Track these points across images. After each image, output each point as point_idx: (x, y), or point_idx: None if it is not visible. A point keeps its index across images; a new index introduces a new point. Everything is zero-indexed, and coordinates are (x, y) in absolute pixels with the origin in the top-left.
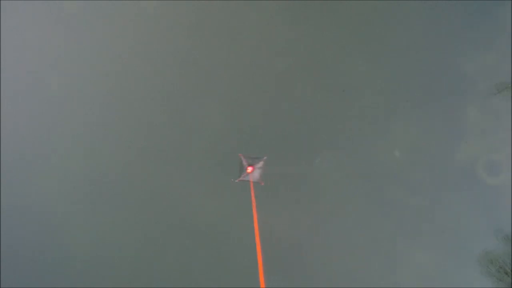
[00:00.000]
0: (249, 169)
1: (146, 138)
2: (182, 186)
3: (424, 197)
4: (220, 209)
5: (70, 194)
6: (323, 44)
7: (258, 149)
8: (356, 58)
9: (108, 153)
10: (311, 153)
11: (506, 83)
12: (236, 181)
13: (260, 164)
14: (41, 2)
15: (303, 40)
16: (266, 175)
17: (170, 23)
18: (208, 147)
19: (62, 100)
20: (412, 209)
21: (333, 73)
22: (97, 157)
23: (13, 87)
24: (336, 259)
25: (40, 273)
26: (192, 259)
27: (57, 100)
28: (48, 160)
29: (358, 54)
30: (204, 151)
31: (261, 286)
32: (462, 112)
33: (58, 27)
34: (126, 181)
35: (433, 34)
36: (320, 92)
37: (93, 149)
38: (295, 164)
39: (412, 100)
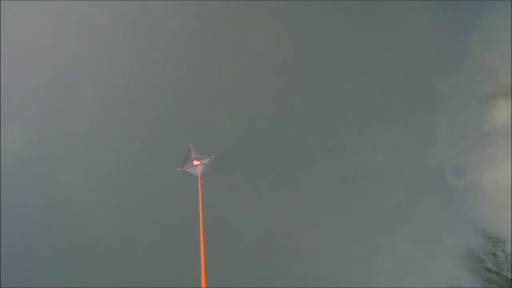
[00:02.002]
0: (195, 162)
1: (157, 138)
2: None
3: (403, 195)
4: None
5: (92, 188)
6: (318, 57)
7: (257, 150)
8: (344, 75)
9: (122, 151)
10: (305, 154)
11: (491, 94)
12: (178, 169)
13: (207, 161)
14: (42, 2)
15: (302, 53)
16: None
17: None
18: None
19: (85, 103)
20: (392, 207)
21: (325, 87)
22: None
23: (37, 86)
24: (322, 253)
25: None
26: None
27: (81, 103)
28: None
29: (346, 71)
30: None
31: (203, 286)
32: (435, 122)
33: (59, 28)
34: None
35: (410, 56)
36: (314, 102)
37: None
38: (290, 164)
39: (392, 111)
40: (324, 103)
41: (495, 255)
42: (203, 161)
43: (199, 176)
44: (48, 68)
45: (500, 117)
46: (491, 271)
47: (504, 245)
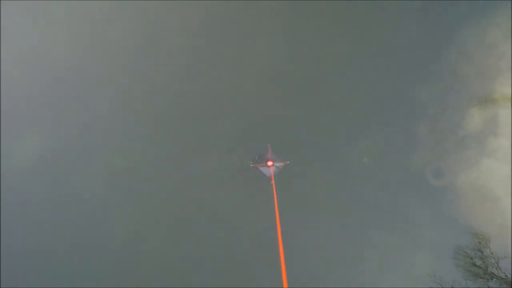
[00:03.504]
0: (270, 162)
1: (163, 141)
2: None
3: (386, 193)
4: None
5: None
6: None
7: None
8: (336, 86)
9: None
10: (302, 159)
11: (483, 97)
12: (251, 165)
13: (280, 164)
14: (46, 2)
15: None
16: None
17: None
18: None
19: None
20: (377, 203)
21: (320, 97)
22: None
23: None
24: (316, 244)
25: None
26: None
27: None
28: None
29: (338, 83)
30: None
31: (284, 286)
32: (416, 129)
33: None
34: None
35: (393, 72)
36: (308, 114)
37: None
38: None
39: (377, 120)
40: (318, 110)
41: (480, 251)
42: (277, 164)
43: (272, 176)
44: (59, 76)
45: (474, 124)
46: (476, 265)
47: (489, 242)
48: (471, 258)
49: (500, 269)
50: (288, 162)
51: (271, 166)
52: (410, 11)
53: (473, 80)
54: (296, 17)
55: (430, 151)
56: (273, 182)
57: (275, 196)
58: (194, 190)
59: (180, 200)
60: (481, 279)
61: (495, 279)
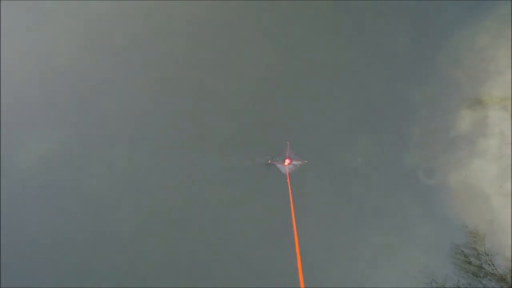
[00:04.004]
0: (287, 160)
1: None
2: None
3: (380, 192)
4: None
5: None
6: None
7: (253, 152)
8: (333, 89)
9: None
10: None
11: (475, 99)
12: (269, 162)
13: (298, 162)
14: (46, 2)
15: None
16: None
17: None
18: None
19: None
20: (371, 202)
21: (315, 100)
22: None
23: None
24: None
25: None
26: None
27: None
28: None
29: (334, 86)
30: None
31: (301, 286)
32: (408, 130)
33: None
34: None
35: (387, 74)
36: (305, 116)
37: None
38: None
39: (372, 121)
40: (313, 113)
41: (475, 249)
42: (295, 162)
43: (287, 174)
44: (59, 76)
45: (464, 125)
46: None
47: (484, 240)
48: (466, 256)
49: (494, 266)
50: (306, 161)
51: (288, 165)
52: (403, 14)
53: (463, 83)
54: (296, 20)
55: (421, 152)
56: (288, 180)
57: (290, 194)
58: (199, 190)
59: (188, 200)
60: (476, 277)
61: (489, 277)
